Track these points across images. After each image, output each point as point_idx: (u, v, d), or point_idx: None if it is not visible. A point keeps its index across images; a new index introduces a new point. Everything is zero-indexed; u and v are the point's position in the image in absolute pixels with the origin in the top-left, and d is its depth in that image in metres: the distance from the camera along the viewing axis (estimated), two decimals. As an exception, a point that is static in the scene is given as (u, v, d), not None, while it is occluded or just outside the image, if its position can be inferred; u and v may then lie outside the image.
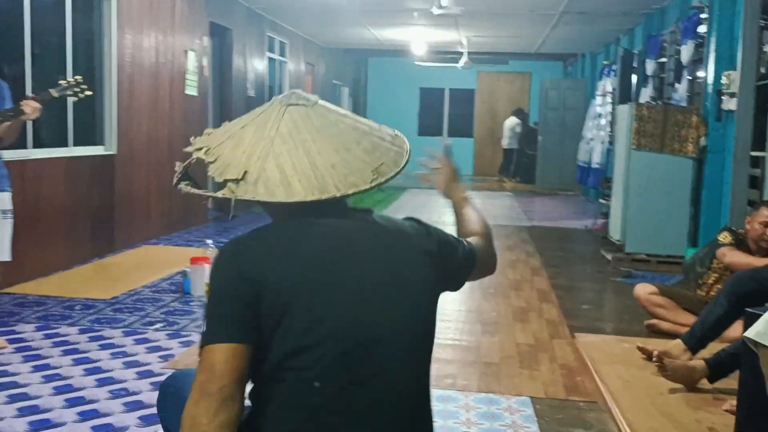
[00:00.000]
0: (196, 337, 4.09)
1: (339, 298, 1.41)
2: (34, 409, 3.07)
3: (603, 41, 12.58)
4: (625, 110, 7.10)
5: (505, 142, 16.41)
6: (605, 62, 11.82)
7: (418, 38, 12.76)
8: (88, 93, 3.92)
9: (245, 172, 1.44)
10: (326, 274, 1.42)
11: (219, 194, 1.46)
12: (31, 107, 3.63)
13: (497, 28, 11.74)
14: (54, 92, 3.75)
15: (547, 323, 4.64)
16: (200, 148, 1.53)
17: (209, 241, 5.42)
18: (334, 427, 1.39)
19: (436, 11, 7.34)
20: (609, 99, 10.69)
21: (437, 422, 3.01)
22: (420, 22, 11.17)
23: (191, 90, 8.19)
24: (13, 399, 3.17)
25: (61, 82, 3.81)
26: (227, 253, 1.44)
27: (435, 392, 3.37)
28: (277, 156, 1.45)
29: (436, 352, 3.82)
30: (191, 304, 4.86)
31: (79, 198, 6.03)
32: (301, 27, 12.38)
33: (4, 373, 3.48)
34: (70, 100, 3.90)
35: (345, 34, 13.34)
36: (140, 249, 6.74)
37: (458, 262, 1.67)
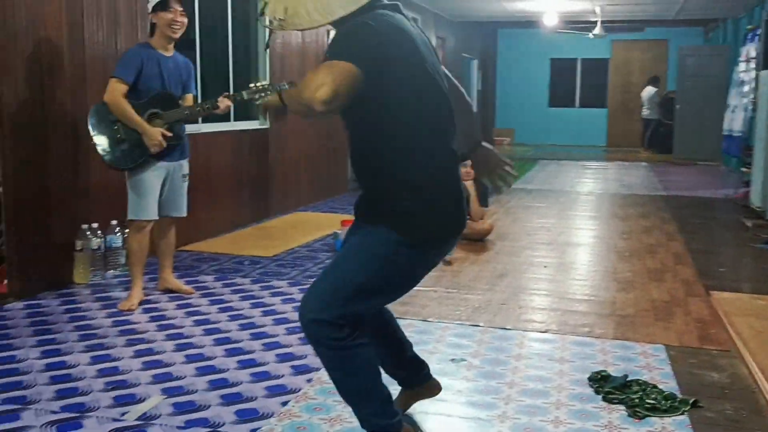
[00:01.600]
0: (352, 288, 4.58)
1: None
2: (226, 340, 3.64)
3: (747, 4, 12.09)
4: (767, 75, 6.97)
5: (645, 113, 16.01)
6: (749, 27, 11.39)
7: (549, 8, 12.75)
8: (271, 96, 4.43)
9: (285, 9, 2.19)
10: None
11: (275, 27, 2.23)
12: (225, 105, 4.18)
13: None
14: (245, 94, 4.26)
15: (682, 282, 4.80)
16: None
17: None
18: None
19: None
20: (752, 65, 10.34)
21: (574, 362, 3.33)
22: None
23: (334, 67, 8.73)
24: (208, 332, 3.76)
25: (251, 85, 4.31)
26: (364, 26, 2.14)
27: (571, 338, 3.68)
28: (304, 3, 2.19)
29: (572, 305, 4.15)
30: (344, 261, 5.36)
31: (240, 168, 6.70)
32: (433, 2, 12.68)
33: (198, 313, 4.10)
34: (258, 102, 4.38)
35: (475, 7, 13.53)
36: (292, 215, 7.37)
37: None
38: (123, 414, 2.78)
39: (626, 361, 3.38)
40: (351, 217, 5.69)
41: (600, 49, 17.46)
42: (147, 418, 2.75)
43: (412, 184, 2.23)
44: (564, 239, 6.33)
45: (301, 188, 7.97)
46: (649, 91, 15.85)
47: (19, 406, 2.83)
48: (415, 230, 2.24)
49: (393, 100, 2.19)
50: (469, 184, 6.21)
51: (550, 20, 13.26)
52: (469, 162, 6.18)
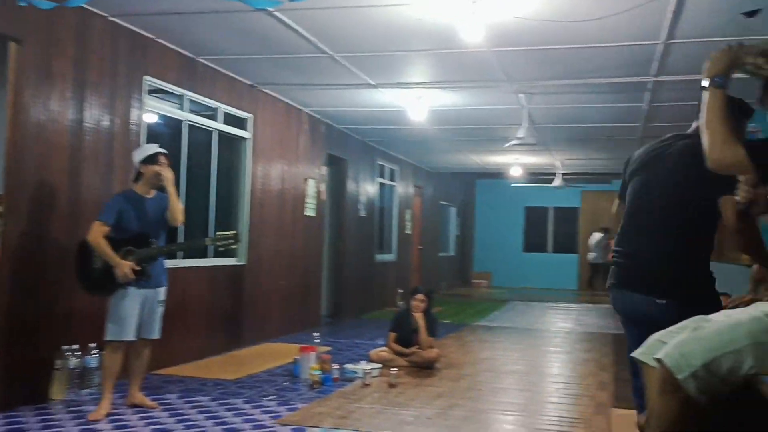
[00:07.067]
0: (300, 405, 5.15)
1: None
2: (179, 444, 4.19)
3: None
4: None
5: (591, 257, 17.13)
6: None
7: (514, 162, 13.90)
8: (234, 246, 5.24)
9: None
10: None
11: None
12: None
13: (587, 152, 12.71)
14: (208, 240, 5.04)
15: (596, 405, 5.38)
16: None
17: (316, 334, 6.54)
18: None
19: (513, 142, 8.47)
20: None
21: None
22: (515, 149, 12.31)
23: (310, 211, 9.61)
24: (163, 438, 4.31)
25: (217, 233, 5.10)
26: None
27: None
28: None
29: (491, 420, 4.69)
30: (299, 383, 5.94)
31: (215, 300, 7.37)
32: (409, 155, 13.83)
33: (158, 423, 4.65)
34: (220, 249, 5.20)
35: (450, 160, 14.69)
36: (263, 345, 7.96)
37: None
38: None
39: (519, 462, 3.93)
40: (309, 345, 6.32)
41: (571, 198, 18.61)
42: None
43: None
44: (506, 368, 6.92)
45: (273, 321, 8.60)
46: (596, 236, 17.05)
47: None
48: None
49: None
50: (419, 316, 6.88)
51: (516, 172, 14.40)
52: (421, 296, 6.90)
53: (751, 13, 4.95)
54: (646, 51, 6.20)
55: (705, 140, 2.35)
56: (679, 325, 2.53)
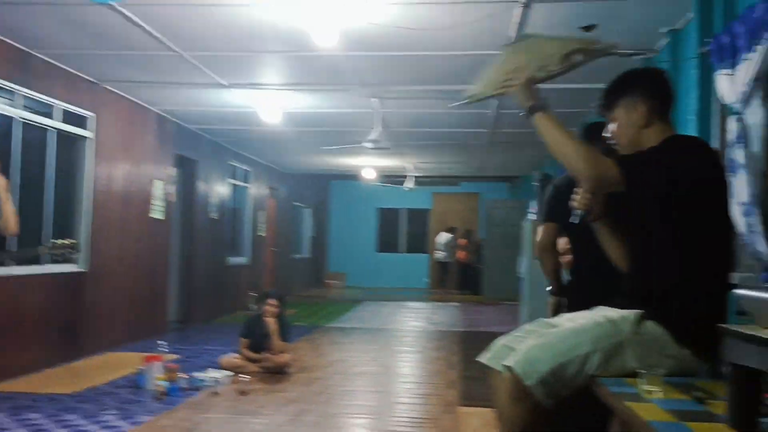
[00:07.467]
0: (144, 418, 4.91)
1: None
2: (7, 468, 3.87)
3: (536, 164, 13.93)
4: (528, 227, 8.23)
5: (441, 256, 17.81)
6: (534, 183, 13.10)
7: (367, 164, 14.07)
8: (73, 255, 4.90)
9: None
10: None
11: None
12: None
13: (437, 155, 13.08)
14: (40, 249, 4.70)
15: (444, 404, 5.53)
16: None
17: (162, 342, 6.28)
18: None
19: (367, 145, 8.56)
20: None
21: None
22: (368, 151, 12.45)
23: (157, 214, 9.22)
24: (-11, 462, 3.97)
25: (53, 241, 4.74)
26: None
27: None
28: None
29: (342, 423, 4.68)
30: (143, 394, 5.67)
31: (51, 309, 6.90)
32: (263, 156, 13.63)
33: (-17, 445, 4.28)
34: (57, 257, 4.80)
35: (304, 161, 14.62)
36: (105, 355, 7.55)
37: None
38: None
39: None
40: (155, 353, 6.05)
41: (422, 200, 19.10)
42: None
43: None
44: (357, 370, 6.97)
45: (117, 329, 8.18)
46: (446, 236, 17.76)
47: None
48: None
49: None
50: (271, 321, 6.78)
51: (368, 174, 14.58)
52: (273, 300, 6.80)
53: (588, 28, 5.26)
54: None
55: (567, 163, 2.31)
56: (525, 329, 2.60)
